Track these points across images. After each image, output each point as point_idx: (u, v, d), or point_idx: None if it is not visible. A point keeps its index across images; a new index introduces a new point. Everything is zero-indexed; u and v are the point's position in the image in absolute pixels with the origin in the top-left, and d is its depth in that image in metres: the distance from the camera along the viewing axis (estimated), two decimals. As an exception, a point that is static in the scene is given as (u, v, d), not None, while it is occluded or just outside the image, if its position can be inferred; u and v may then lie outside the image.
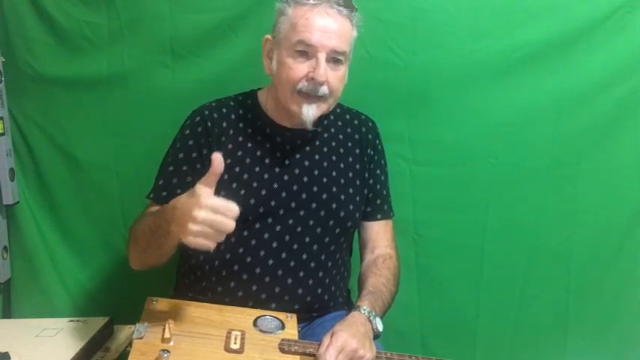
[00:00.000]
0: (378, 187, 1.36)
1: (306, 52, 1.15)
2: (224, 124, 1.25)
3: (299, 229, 1.23)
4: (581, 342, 1.62)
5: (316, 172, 1.27)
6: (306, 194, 1.25)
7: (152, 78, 1.50)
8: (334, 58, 1.17)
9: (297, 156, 1.27)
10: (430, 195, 1.56)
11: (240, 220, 1.18)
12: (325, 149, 1.30)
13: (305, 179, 1.25)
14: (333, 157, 1.30)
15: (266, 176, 1.23)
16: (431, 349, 1.61)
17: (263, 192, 1.22)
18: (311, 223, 1.24)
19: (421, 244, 1.58)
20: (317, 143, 1.29)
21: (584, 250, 1.58)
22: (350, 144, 1.33)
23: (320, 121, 1.27)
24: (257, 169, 1.23)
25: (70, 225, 1.59)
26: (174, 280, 1.35)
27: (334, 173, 1.28)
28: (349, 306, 1.27)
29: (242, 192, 1.21)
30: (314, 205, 1.24)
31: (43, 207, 1.59)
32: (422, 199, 1.56)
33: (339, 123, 1.35)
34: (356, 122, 1.37)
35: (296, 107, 1.18)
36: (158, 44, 1.49)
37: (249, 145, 1.24)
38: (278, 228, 1.22)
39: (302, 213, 1.24)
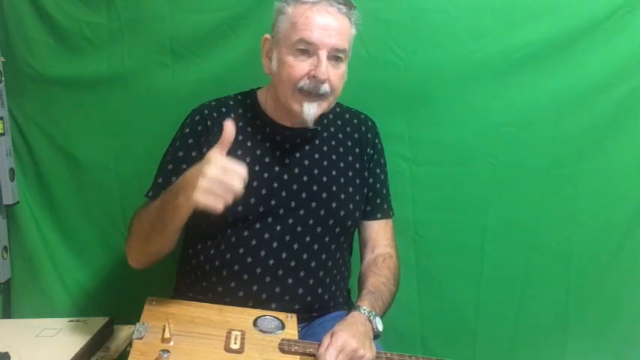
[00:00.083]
0: (378, 186, 1.36)
1: (306, 50, 1.16)
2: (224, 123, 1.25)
3: (299, 228, 1.23)
4: (581, 342, 1.62)
5: (316, 171, 1.27)
6: (306, 193, 1.25)
7: (152, 78, 1.50)
8: (335, 56, 1.17)
9: (297, 155, 1.27)
10: (430, 195, 1.56)
11: (241, 220, 1.20)
12: (325, 148, 1.30)
13: (305, 178, 1.25)
14: (333, 156, 1.30)
15: (266, 175, 1.23)
16: (431, 349, 1.61)
17: (263, 191, 1.22)
18: (311, 222, 1.24)
19: (421, 244, 1.58)
20: (317, 142, 1.29)
21: (584, 250, 1.58)
22: (349, 143, 1.33)
23: (320, 120, 1.27)
24: (257, 168, 1.23)
25: (70, 225, 1.59)
26: (174, 280, 1.35)
27: (334, 172, 1.28)
28: (349, 306, 1.27)
29: (242, 191, 1.21)
30: (314, 205, 1.25)
31: (43, 207, 1.59)
32: (422, 199, 1.56)
33: (339, 122, 1.35)
34: (355, 121, 1.37)
35: (297, 106, 1.18)
36: (158, 44, 1.49)
37: (249, 144, 1.25)
38: (278, 228, 1.22)
39: (302, 212, 1.24)
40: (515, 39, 1.48)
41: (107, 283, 1.60)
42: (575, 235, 1.57)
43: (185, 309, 1.12)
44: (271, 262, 1.21)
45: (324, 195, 1.26)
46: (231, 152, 1.21)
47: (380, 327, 1.16)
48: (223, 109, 1.27)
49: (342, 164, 1.30)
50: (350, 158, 1.32)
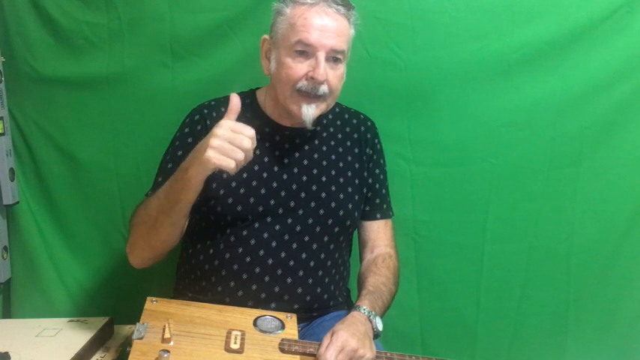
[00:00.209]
0: (377, 186, 1.36)
1: (305, 51, 1.16)
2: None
3: (298, 228, 1.23)
4: (581, 342, 1.62)
5: (315, 171, 1.27)
6: (305, 193, 1.25)
7: (152, 78, 1.50)
8: (333, 57, 1.17)
9: (296, 155, 1.27)
10: (430, 195, 1.56)
11: (240, 219, 1.20)
12: (324, 148, 1.30)
13: (304, 178, 1.25)
14: (332, 156, 1.30)
15: (265, 175, 1.23)
16: (431, 349, 1.61)
17: (262, 191, 1.22)
18: (310, 222, 1.24)
19: (421, 244, 1.58)
20: (316, 142, 1.29)
21: (584, 250, 1.58)
22: (349, 143, 1.33)
23: (319, 120, 1.27)
24: (256, 167, 1.23)
25: (70, 225, 1.59)
26: (174, 280, 1.35)
27: (333, 172, 1.28)
28: (349, 305, 1.27)
29: (241, 191, 1.21)
30: (313, 204, 1.25)
31: (43, 207, 1.58)
32: (422, 199, 1.56)
33: (338, 122, 1.35)
34: (355, 121, 1.37)
35: (295, 107, 1.19)
36: (158, 44, 1.49)
37: (249, 143, 1.25)
38: (277, 227, 1.22)
39: (301, 212, 1.24)
40: (515, 39, 1.48)
41: (107, 283, 1.60)
42: (575, 235, 1.57)
43: (185, 309, 1.12)
44: (270, 261, 1.21)
45: (323, 195, 1.26)
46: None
47: (380, 327, 1.16)
48: (223, 109, 1.27)
49: (341, 164, 1.30)
50: (349, 158, 1.32)
